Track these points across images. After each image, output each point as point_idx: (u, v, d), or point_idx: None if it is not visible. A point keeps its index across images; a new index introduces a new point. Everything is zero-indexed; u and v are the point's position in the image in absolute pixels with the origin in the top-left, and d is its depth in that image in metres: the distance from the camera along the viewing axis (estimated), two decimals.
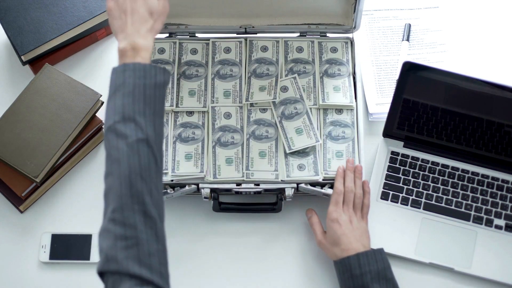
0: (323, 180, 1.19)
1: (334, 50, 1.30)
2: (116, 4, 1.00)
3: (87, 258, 1.20)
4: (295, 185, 1.19)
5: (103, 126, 0.93)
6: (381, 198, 1.23)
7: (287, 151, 1.21)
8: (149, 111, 0.91)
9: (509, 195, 1.23)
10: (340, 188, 1.17)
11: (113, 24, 1.01)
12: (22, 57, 1.31)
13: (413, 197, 1.23)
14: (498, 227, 1.21)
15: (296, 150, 1.21)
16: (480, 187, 1.24)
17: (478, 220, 1.22)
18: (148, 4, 0.99)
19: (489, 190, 1.23)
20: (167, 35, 1.32)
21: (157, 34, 1.01)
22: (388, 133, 1.27)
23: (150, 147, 0.90)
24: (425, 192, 1.23)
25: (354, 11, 1.26)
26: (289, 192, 1.18)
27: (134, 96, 0.91)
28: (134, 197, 0.87)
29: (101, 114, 1.28)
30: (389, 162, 1.26)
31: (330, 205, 1.16)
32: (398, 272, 1.16)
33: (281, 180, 1.19)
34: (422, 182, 1.24)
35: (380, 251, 1.12)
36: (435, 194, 1.23)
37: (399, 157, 1.26)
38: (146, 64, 0.94)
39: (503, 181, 1.24)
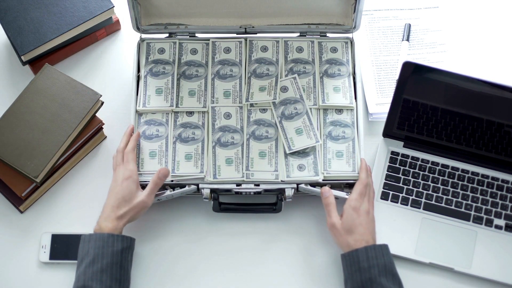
0: (323, 180, 1.19)
1: (334, 50, 1.30)
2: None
3: None
4: (295, 186, 1.19)
5: None
6: (381, 198, 1.23)
7: (287, 152, 1.21)
8: (105, 277, 1.06)
9: (509, 195, 1.23)
10: (368, 180, 1.17)
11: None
12: (22, 57, 1.31)
13: (413, 197, 1.23)
14: (498, 227, 1.21)
15: (296, 151, 1.21)
16: (480, 187, 1.24)
17: (478, 220, 1.22)
18: (123, 194, 1.13)
19: (489, 190, 1.23)
20: (167, 35, 1.32)
21: (131, 221, 1.14)
22: (388, 133, 1.27)
23: None
24: (425, 192, 1.24)
25: (354, 11, 1.26)
26: (289, 192, 1.18)
27: (93, 265, 1.07)
28: None
29: (101, 114, 1.28)
30: (389, 162, 1.26)
31: (353, 193, 1.15)
32: (398, 272, 1.16)
33: (281, 181, 1.19)
34: (422, 182, 1.24)
35: (386, 246, 1.12)
36: (435, 194, 1.23)
37: (399, 157, 1.26)
38: (106, 234, 1.10)
39: (503, 181, 1.24)
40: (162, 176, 1.16)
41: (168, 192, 1.19)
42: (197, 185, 1.19)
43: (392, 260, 1.11)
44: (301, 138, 1.22)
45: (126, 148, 1.19)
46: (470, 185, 1.24)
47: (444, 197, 1.23)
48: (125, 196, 1.13)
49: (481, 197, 1.23)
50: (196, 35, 1.33)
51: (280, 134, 1.23)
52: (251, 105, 1.25)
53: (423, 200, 1.23)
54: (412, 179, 1.24)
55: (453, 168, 1.25)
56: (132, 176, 1.15)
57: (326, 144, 1.22)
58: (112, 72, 1.38)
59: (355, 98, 1.26)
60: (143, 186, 1.19)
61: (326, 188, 1.18)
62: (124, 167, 1.16)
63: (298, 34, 1.32)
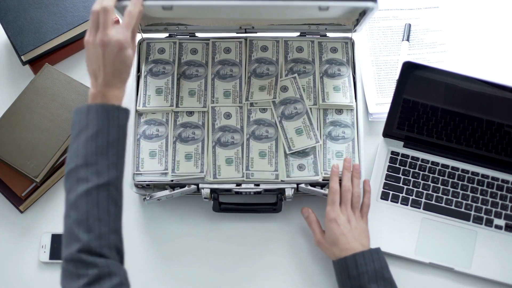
0: (323, 180, 1.19)
1: (334, 50, 1.30)
2: (92, 44, 0.99)
3: None
4: (295, 185, 1.19)
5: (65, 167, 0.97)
6: (381, 198, 1.23)
7: (287, 152, 1.21)
8: (112, 153, 0.94)
9: (509, 195, 1.23)
10: (335, 187, 1.17)
11: (88, 67, 1.01)
12: (22, 57, 1.31)
13: (413, 197, 1.23)
14: (498, 227, 1.21)
15: (296, 151, 1.21)
16: (480, 187, 1.24)
17: (478, 220, 1.22)
18: (118, 66, 0.99)
19: (489, 190, 1.23)
20: (167, 35, 1.32)
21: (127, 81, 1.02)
22: (388, 133, 1.27)
23: (110, 191, 0.93)
24: (425, 192, 1.24)
25: (357, 23, 1.24)
26: (289, 192, 1.18)
27: (98, 139, 0.93)
28: (92, 241, 0.90)
29: None
30: (389, 162, 1.26)
31: (327, 205, 1.16)
32: (398, 272, 1.16)
33: (281, 180, 1.19)
34: (422, 182, 1.24)
35: (377, 250, 1.12)
36: (435, 194, 1.23)
37: (399, 157, 1.26)
38: (109, 105, 0.96)
39: (503, 181, 1.24)
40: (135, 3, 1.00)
41: (168, 192, 1.19)
42: (197, 185, 1.19)
43: (385, 263, 1.11)
44: (301, 138, 1.22)
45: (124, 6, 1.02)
46: (470, 185, 1.24)
47: (444, 197, 1.23)
48: (120, 69, 0.99)
49: (481, 197, 1.23)
50: (196, 35, 1.33)
51: (280, 134, 1.23)
52: (251, 104, 1.25)
53: (423, 200, 1.23)
54: (412, 179, 1.24)
55: (453, 168, 1.25)
56: (126, 44, 0.99)
57: (326, 144, 1.22)
58: None
59: (355, 98, 1.26)
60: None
61: (304, 208, 1.20)
62: (118, 30, 0.99)
63: (298, 34, 1.32)
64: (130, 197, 1.23)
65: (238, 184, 1.19)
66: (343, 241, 1.12)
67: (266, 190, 1.20)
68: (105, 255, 0.90)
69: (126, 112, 0.97)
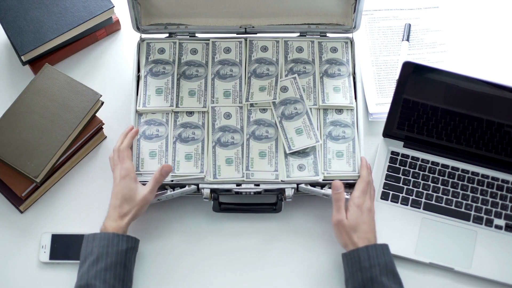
0: (323, 180, 1.19)
1: (334, 50, 1.30)
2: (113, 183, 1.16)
3: None
4: (295, 186, 1.19)
5: None
6: (381, 198, 1.23)
7: (287, 152, 1.21)
8: (109, 276, 1.06)
9: (509, 195, 1.23)
10: (368, 177, 1.17)
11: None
12: (22, 57, 1.31)
13: (413, 197, 1.23)
14: (498, 227, 1.21)
15: (296, 151, 1.21)
16: (480, 187, 1.24)
17: (478, 220, 1.22)
18: (123, 193, 1.14)
19: (489, 190, 1.23)
20: (167, 35, 1.32)
21: (134, 218, 1.15)
22: (388, 133, 1.27)
23: None
24: (425, 192, 1.24)
25: (354, 11, 1.26)
26: (289, 192, 1.18)
27: (97, 264, 1.07)
28: None
29: (101, 114, 1.28)
30: (389, 162, 1.26)
31: (356, 191, 1.15)
32: (398, 272, 1.16)
33: (281, 181, 1.19)
34: (422, 182, 1.24)
35: (386, 246, 1.12)
36: (435, 194, 1.23)
37: (399, 157, 1.26)
38: (111, 234, 1.10)
39: (503, 181, 1.24)
40: (165, 173, 1.16)
41: (168, 192, 1.19)
42: (197, 185, 1.19)
43: (393, 259, 1.11)
44: (301, 138, 1.22)
45: (121, 145, 1.18)
46: (470, 185, 1.24)
47: (444, 197, 1.23)
48: (125, 194, 1.13)
49: (481, 197, 1.23)
50: (196, 35, 1.33)
51: (280, 134, 1.23)
52: (251, 105, 1.25)
53: (423, 200, 1.23)
54: (412, 179, 1.24)
55: (453, 168, 1.25)
56: (129, 174, 1.15)
57: (326, 144, 1.22)
58: (112, 72, 1.38)
59: (355, 98, 1.26)
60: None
61: (338, 182, 1.15)
62: (120, 166, 1.16)
63: (298, 34, 1.32)
64: None
65: (238, 184, 1.19)
66: (363, 229, 1.12)
67: (266, 190, 1.20)
68: None
69: (127, 239, 1.11)
